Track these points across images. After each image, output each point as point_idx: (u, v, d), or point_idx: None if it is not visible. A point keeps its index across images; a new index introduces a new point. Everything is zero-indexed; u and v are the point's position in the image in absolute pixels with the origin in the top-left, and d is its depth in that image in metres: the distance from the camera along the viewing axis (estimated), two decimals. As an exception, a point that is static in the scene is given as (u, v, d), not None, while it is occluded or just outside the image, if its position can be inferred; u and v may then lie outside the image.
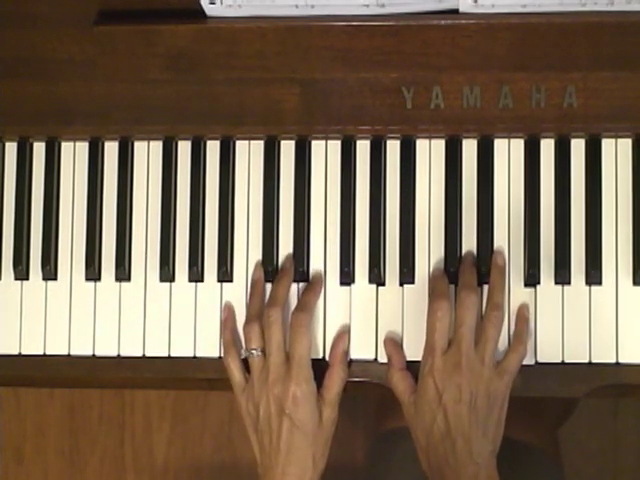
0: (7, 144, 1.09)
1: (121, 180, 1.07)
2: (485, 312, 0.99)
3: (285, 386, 0.99)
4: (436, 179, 1.04)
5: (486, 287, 1.01)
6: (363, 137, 1.04)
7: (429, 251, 1.03)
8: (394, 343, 1.02)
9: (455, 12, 1.00)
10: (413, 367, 1.01)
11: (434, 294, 0.99)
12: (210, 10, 1.02)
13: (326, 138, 1.05)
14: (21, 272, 1.07)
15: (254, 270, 1.05)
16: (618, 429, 1.76)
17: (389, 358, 1.02)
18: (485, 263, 1.01)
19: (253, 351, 1.01)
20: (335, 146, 1.05)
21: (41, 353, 1.07)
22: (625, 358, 1.00)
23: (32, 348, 1.07)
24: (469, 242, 1.03)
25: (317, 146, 1.05)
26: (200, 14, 1.02)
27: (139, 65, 1.03)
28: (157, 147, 1.07)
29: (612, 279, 1.01)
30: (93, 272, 1.06)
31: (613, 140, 1.02)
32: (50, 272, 1.07)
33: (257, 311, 1.02)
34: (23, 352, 1.07)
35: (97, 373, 1.07)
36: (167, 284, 1.06)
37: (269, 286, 1.04)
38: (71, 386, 1.15)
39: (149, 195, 1.07)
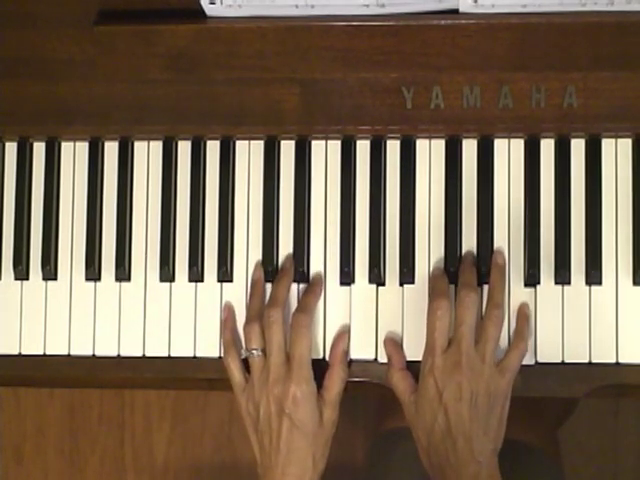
0: (7, 144, 1.09)
1: (121, 180, 1.07)
2: (485, 311, 0.99)
3: (285, 386, 0.98)
4: (436, 179, 1.04)
5: (486, 287, 1.01)
6: (363, 137, 1.04)
7: (429, 251, 1.03)
8: (394, 343, 1.02)
9: (455, 12, 1.00)
10: (413, 367, 1.01)
11: (434, 293, 0.99)
12: (210, 10, 1.02)
13: (326, 138, 1.05)
14: (21, 272, 1.07)
15: (254, 270, 1.05)
16: (618, 429, 1.76)
17: (389, 358, 1.02)
18: (485, 263, 1.01)
19: (253, 351, 1.01)
20: (335, 146, 1.05)
21: (41, 353, 1.07)
22: (625, 358, 1.00)
23: (32, 348, 1.07)
24: (469, 242, 1.03)
25: (317, 146, 1.05)
26: (200, 14, 1.02)
27: (139, 65, 1.03)
28: (157, 147, 1.07)
29: (612, 279, 1.01)
30: (93, 272, 1.06)
31: (613, 140, 1.02)
32: (50, 272, 1.07)
33: (257, 311, 1.02)
34: (23, 352, 1.07)
35: (97, 373, 1.07)
36: (167, 284, 1.06)
37: (269, 286, 1.04)
38: (71, 386, 1.15)
39: (149, 195, 1.07)
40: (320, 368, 1.02)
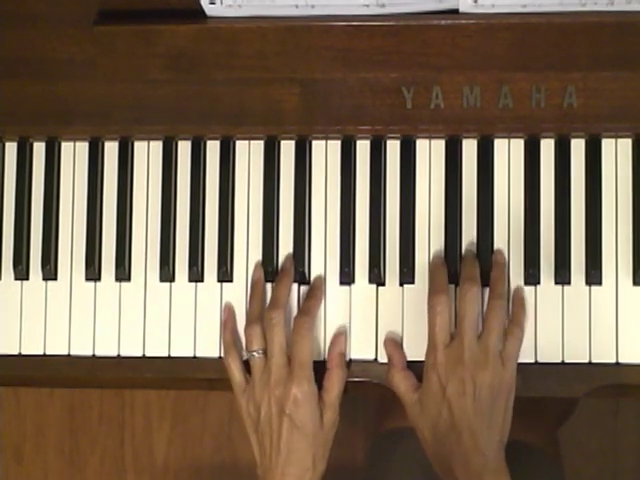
0: (7, 144, 1.09)
1: (121, 180, 1.07)
2: (487, 303, 0.99)
3: (286, 388, 0.99)
4: (436, 179, 1.04)
5: (486, 288, 1.01)
6: (363, 137, 1.04)
7: (429, 251, 1.03)
8: (394, 343, 1.02)
9: (455, 12, 0.99)
10: (414, 367, 1.01)
11: (432, 289, 0.99)
12: (210, 10, 1.02)
13: (326, 138, 1.05)
14: (21, 272, 1.07)
15: (254, 271, 1.05)
16: (618, 429, 1.76)
17: (390, 358, 1.02)
18: (485, 263, 1.01)
19: (254, 353, 1.01)
20: (335, 146, 1.05)
21: (41, 353, 1.07)
22: (625, 358, 1.00)
23: (32, 348, 1.07)
24: (469, 242, 1.03)
25: (317, 146, 1.05)
26: (200, 14, 1.02)
27: (139, 65, 1.03)
28: (157, 147, 1.07)
29: (612, 279, 1.01)
30: (93, 272, 1.06)
31: (613, 140, 1.02)
32: (50, 272, 1.07)
33: (258, 312, 1.02)
34: (23, 352, 1.07)
35: (97, 373, 1.07)
36: (167, 284, 1.06)
37: (269, 286, 1.04)
38: (71, 386, 1.15)
39: (149, 195, 1.07)
40: (320, 369, 1.02)
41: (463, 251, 1.03)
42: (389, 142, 1.04)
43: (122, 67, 1.03)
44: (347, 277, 1.03)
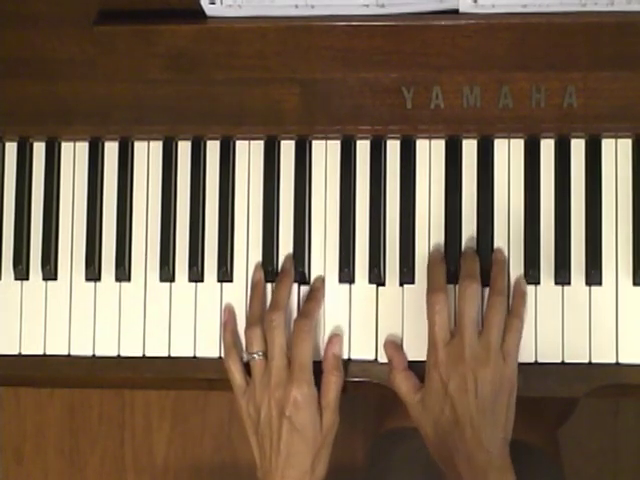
0: (7, 144, 1.09)
1: (121, 180, 1.07)
2: (488, 299, 0.99)
3: (287, 390, 0.99)
4: (436, 179, 1.04)
5: (485, 288, 1.01)
6: (363, 137, 1.04)
7: (429, 251, 1.03)
8: (394, 345, 1.02)
9: (455, 12, 0.99)
10: (415, 367, 1.01)
11: (430, 287, 0.99)
12: (210, 10, 1.02)
13: (326, 138, 1.05)
14: (21, 272, 1.07)
15: (254, 272, 1.05)
16: (618, 429, 1.76)
17: (390, 360, 1.01)
18: (485, 263, 1.01)
19: (255, 355, 1.01)
20: (335, 146, 1.05)
21: (41, 353, 1.07)
22: (625, 358, 1.00)
23: (32, 348, 1.07)
24: (469, 242, 1.03)
25: (317, 146, 1.05)
26: (200, 14, 1.02)
27: (139, 65, 1.03)
28: (157, 147, 1.07)
29: (612, 279, 1.01)
30: (93, 272, 1.06)
31: (613, 140, 1.02)
32: (50, 272, 1.07)
33: (258, 314, 1.02)
34: (23, 352, 1.07)
35: (97, 373, 1.07)
36: (167, 284, 1.06)
37: (269, 286, 1.04)
38: (71, 386, 1.15)
39: (149, 195, 1.07)
40: (321, 370, 1.02)
41: (463, 249, 1.03)
42: (389, 142, 1.04)
43: (122, 67, 1.03)
44: (347, 277, 1.03)
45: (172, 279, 1.06)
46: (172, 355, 1.05)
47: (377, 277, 1.03)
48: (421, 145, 1.04)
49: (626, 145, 1.02)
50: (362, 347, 1.03)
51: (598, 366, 1.01)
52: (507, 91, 1.00)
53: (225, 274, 1.05)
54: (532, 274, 1.01)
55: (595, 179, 1.02)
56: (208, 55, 1.02)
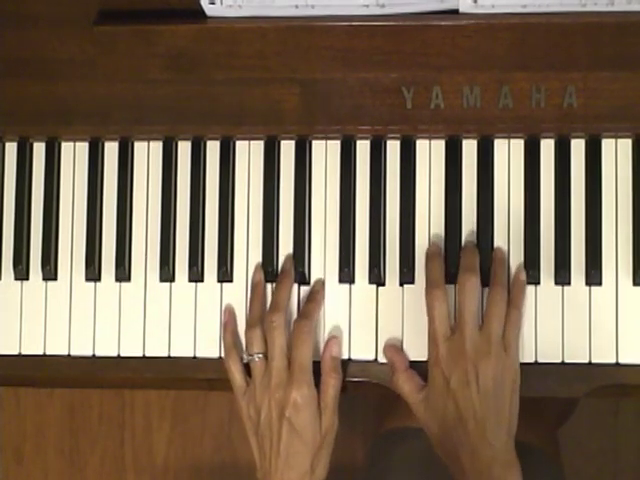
0: (7, 144, 1.09)
1: (121, 180, 1.07)
2: (488, 292, 0.99)
3: (287, 391, 0.99)
4: (436, 179, 1.04)
5: (485, 288, 1.01)
6: (363, 137, 1.04)
7: (429, 251, 1.03)
8: (394, 348, 1.02)
9: (455, 12, 1.00)
10: (416, 367, 1.01)
11: (428, 284, 0.99)
12: (210, 10, 1.02)
13: (326, 138, 1.05)
14: (21, 272, 1.07)
15: (254, 273, 1.05)
16: (618, 429, 1.76)
17: (391, 363, 1.01)
18: (485, 263, 1.01)
19: (255, 356, 1.01)
20: (335, 146, 1.05)
21: (41, 353, 1.07)
22: (625, 358, 1.00)
23: (32, 348, 1.07)
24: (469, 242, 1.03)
25: (317, 146, 1.05)
26: (200, 14, 1.02)
27: (139, 65, 1.03)
28: (157, 147, 1.07)
29: (612, 279, 1.01)
30: (93, 272, 1.06)
31: (613, 140, 1.02)
32: (50, 272, 1.07)
33: (258, 315, 1.02)
34: (23, 352, 1.07)
35: (97, 373, 1.07)
36: (167, 284, 1.06)
37: (269, 286, 1.04)
38: (71, 386, 1.15)
39: (149, 195, 1.07)
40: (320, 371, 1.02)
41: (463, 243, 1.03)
42: (389, 142, 1.04)
43: (122, 67, 1.03)
44: (347, 277, 1.03)
45: (172, 279, 1.06)
46: (172, 355, 1.05)
47: (377, 277, 1.03)
48: (421, 145, 1.04)
49: (626, 145, 1.02)
50: (362, 347, 1.03)
51: (598, 366, 1.01)
52: (507, 91, 1.00)
53: (225, 274, 1.05)
54: (532, 274, 1.01)
55: (595, 179, 1.02)
56: (208, 55, 1.02)
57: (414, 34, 1.00)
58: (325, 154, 1.05)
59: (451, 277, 1.01)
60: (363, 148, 1.05)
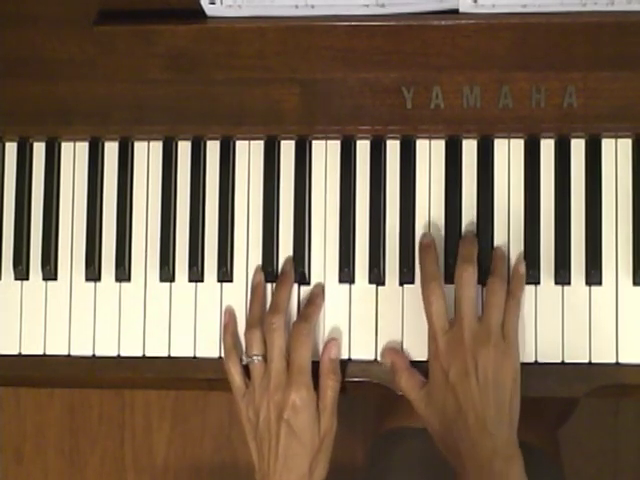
0: (7, 144, 1.09)
1: (121, 180, 1.07)
2: (488, 282, 0.99)
3: (285, 393, 0.99)
4: (436, 179, 1.04)
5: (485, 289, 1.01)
6: (363, 137, 1.04)
7: (429, 251, 1.03)
8: (393, 350, 1.02)
9: (455, 12, 1.00)
10: (416, 367, 1.01)
11: (423, 278, 0.99)
12: (210, 10, 1.02)
13: (326, 138, 1.05)
14: (21, 272, 1.07)
15: (254, 274, 1.05)
16: (618, 429, 1.76)
17: (392, 365, 1.01)
18: (485, 263, 1.01)
19: (254, 357, 1.01)
20: (335, 146, 1.05)
21: (41, 353, 1.07)
22: (625, 358, 1.00)
23: (32, 348, 1.07)
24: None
25: (317, 146, 1.05)
26: (200, 14, 1.02)
27: (139, 65, 1.03)
28: (157, 147, 1.07)
29: (612, 279, 1.01)
30: (93, 272, 1.06)
31: (613, 140, 1.02)
32: (50, 272, 1.07)
33: (258, 317, 1.02)
34: (23, 352, 1.07)
35: (97, 373, 1.07)
36: (167, 284, 1.06)
37: (269, 287, 1.04)
38: (71, 386, 1.15)
39: (149, 195, 1.07)
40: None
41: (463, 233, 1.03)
42: (389, 142, 1.04)
43: (122, 67, 1.03)
44: (347, 277, 1.03)
45: (172, 279, 1.06)
46: (172, 355, 1.05)
47: (377, 277, 1.03)
48: (421, 145, 1.04)
49: (626, 145, 1.02)
50: (362, 347, 1.03)
51: (598, 366, 1.01)
52: (507, 91, 1.00)
53: (225, 274, 1.05)
54: (532, 274, 1.01)
55: (595, 179, 1.02)
56: (208, 55, 1.02)
57: (414, 34, 1.00)
58: (325, 154, 1.05)
59: (451, 277, 1.01)
60: (363, 148, 1.05)
